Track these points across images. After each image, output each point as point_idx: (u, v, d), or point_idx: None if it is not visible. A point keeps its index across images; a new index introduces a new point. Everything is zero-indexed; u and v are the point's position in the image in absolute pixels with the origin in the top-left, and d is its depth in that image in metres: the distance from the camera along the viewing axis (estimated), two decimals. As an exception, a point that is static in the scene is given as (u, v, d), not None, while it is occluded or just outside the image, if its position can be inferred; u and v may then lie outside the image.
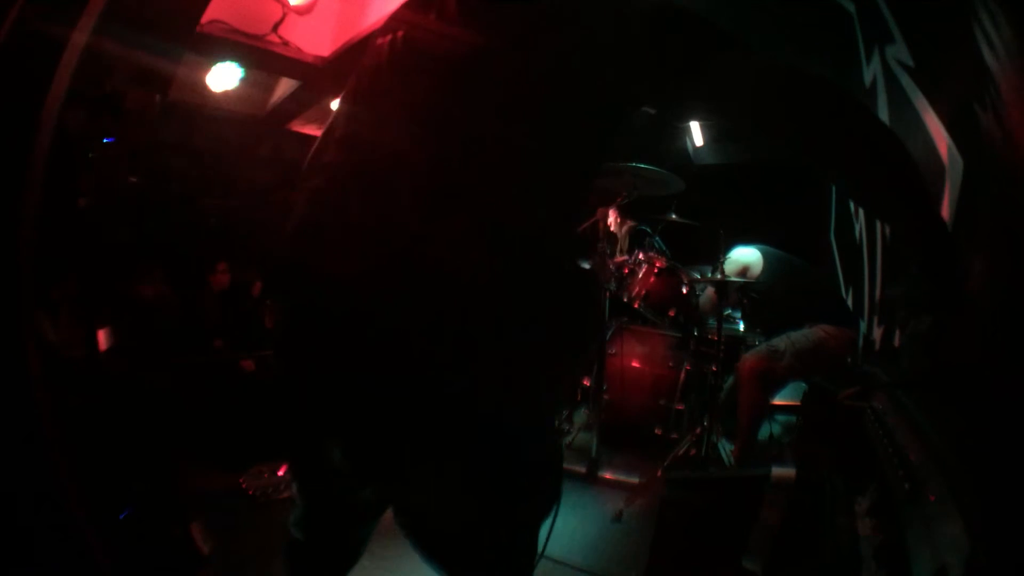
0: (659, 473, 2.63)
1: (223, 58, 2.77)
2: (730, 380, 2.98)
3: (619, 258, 3.06)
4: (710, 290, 2.94)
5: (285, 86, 3.51)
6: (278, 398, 0.89)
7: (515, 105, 0.72)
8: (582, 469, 2.69)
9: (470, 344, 0.71)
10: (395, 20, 0.86)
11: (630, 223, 3.28)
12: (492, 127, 0.72)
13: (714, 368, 2.82)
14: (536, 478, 0.82)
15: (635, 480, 2.67)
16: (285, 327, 0.85)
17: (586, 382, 3.21)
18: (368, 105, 0.84)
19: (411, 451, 0.76)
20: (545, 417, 0.85)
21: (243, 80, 2.95)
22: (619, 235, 3.29)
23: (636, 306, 2.91)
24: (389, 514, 0.89)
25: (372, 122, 0.81)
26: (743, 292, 2.84)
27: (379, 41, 0.86)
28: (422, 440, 0.74)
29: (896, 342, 2.37)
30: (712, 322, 2.94)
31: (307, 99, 3.45)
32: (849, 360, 2.58)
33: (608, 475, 2.74)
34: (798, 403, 2.87)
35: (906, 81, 2.21)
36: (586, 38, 0.73)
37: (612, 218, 3.19)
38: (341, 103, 0.90)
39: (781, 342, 2.64)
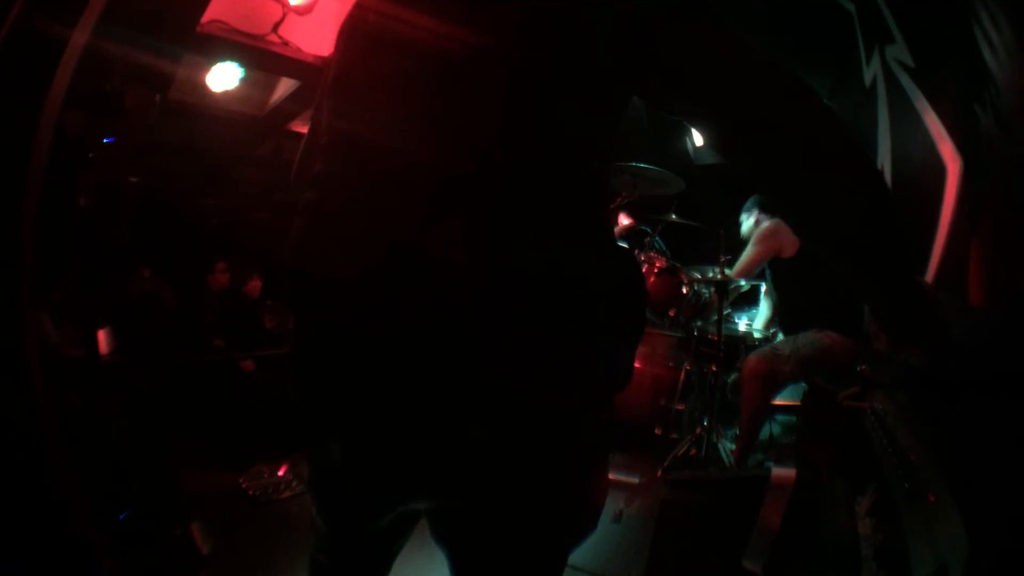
0: (659, 473, 2.64)
1: (223, 58, 2.77)
2: (733, 376, 2.99)
3: None
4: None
5: (285, 86, 3.51)
6: (297, 417, 0.86)
7: (507, 89, 0.68)
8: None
9: (495, 347, 0.68)
10: (364, 6, 0.79)
11: (630, 222, 3.28)
12: (481, 115, 0.68)
13: (714, 368, 2.82)
14: (570, 501, 0.77)
15: (635, 480, 2.67)
16: (300, 344, 0.81)
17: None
18: (349, 102, 0.78)
19: (437, 460, 0.73)
20: (581, 430, 0.78)
21: (243, 80, 2.94)
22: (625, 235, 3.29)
23: (636, 306, 2.91)
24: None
25: (357, 121, 0.75)
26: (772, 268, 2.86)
27: (350, 29, 0.80)
28: (445, 449, 0.71)
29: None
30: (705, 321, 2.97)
31: (307, 99, 3.44)
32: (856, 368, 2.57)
33: (608, 475, 2.74)
34: (798, 403, 2.87)
35: (906, 81, 2.21)
36: (575, 17, 0.68)
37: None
38: (320, 101, 0.84)
39: (786, 346, 2.64)
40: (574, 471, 0.77)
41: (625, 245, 2.92)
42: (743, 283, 3.16)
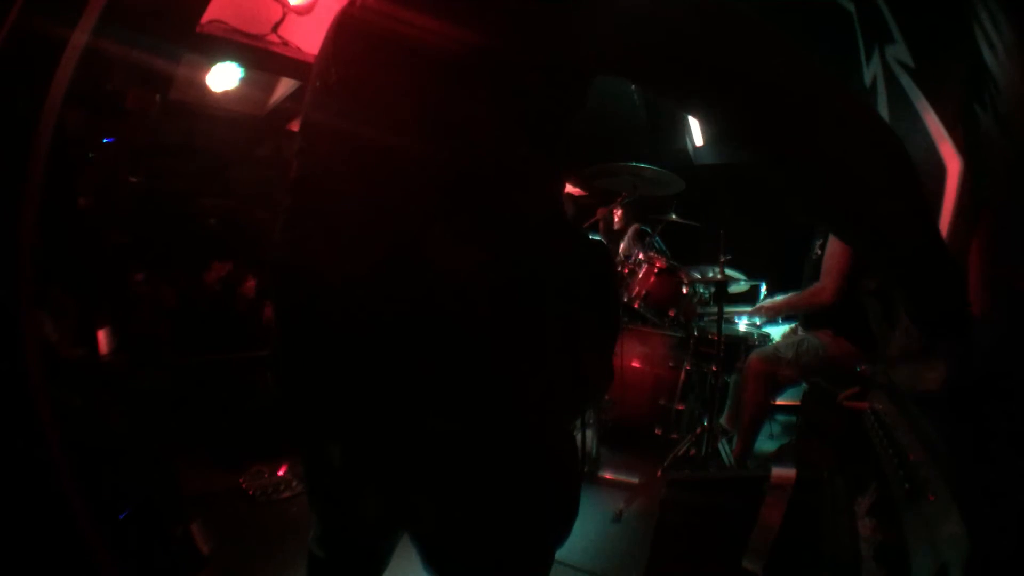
0: (659, 473, 2.64)
1: (223, 58, 2.76)
2: (734, 377, 2.99)
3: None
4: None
5: (285, 86, 3.50)
6: (281, 412, 0.87)
7: (476, 80, 0.67)
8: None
9: (482, 346, 0.68)
10: (357, 4, 0.78)
11: (636, 226, 3.27)
12: (482, 114, 0.68)
13: (714, 368, 2.82)
14: (550, 497, 0.77)
15: (635, 480, 2.67)
16: (292, 345, 0.81)
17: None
18: (342, 102, 0.77)
19: (415, 458, 0.73)
20: (561, 428, 0.79)
21: (243, 80, 2.94)
22: (624, 233, 3.27)
23: (636, 306, 2.91)
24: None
25: (351, 121, 0.75)
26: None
27: (341, 28, 0.80)
28: (427, 447, 0.71)
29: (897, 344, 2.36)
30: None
31: (307, 99, 3.44)
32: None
33: (608, 475, 2.74)
34: (798, 403, 2.87)
35: (906, 81, 2.21)
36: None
37: (616, 217, 3.20)
38: (305, 100, 0.84)
39: (789, 350, 2.63)
40: (553, 469, 0.77)
41: (599, 238, 2.92)
42: (743, 284, 3.16)
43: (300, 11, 2.62)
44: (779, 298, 2.91)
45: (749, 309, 3.03)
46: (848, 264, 2.55)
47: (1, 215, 0.92)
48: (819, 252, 2.70)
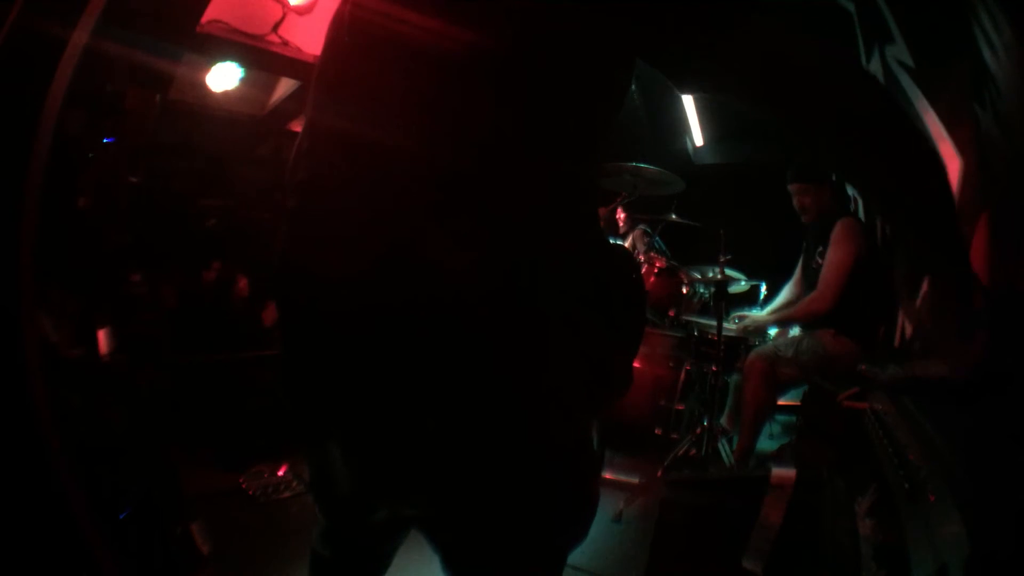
0: (659, 473, 2.64)
1: (223, 58, 2.76)
2: (734, 377, 2.99)
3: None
4: None
5: (285, 86, 3.50)
6: (286, 412, 0.87)
7: (498, 84, 0.67)
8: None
9: (482, 346, 0.68)
10: (355, 3, 0.78)
11: (641, 229, 3.26)
12: (483, 114, 0.68)
13: (714, 368, 2.82)
14: (558, 497, 0.75)
15: (635, 480, 2.67)
16: (291, 348, 0.81)
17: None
18: (341, 101, 0.77)
19: (417, 458, 0.72)
20: (569, 429, 0.78)
21: (243, 80, 2.94)
22: (628, 236, 3.27)
23: (636, 306, 2.90)
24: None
25: (350, 121, 0.74)
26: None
27: (341, 27, 0.79)
28: (429, 447, 0.71)
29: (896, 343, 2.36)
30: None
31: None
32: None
33: (608, 475, 2.74)
34: (798, 403, 2.87)
35: (906, 81, 2.21)
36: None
37: (620, 219, 3.21)
38: (308, 101, 0.84)
39: (788, 348, 2.63)
40: (561, 470, 0.76)
41: (622, 242, 2.93)
42: (743, 284, 3.16)
43: (300, 11, 2.62)
44: (764, 315, 2.94)
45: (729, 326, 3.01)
46: (847, 275, 2.57)
47: (1, 215, 0.92)
48: (819, 260, 2.71)
